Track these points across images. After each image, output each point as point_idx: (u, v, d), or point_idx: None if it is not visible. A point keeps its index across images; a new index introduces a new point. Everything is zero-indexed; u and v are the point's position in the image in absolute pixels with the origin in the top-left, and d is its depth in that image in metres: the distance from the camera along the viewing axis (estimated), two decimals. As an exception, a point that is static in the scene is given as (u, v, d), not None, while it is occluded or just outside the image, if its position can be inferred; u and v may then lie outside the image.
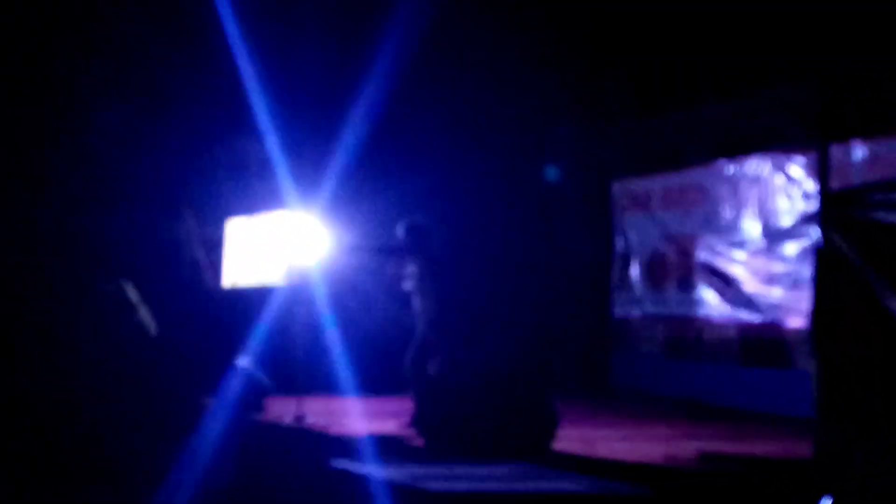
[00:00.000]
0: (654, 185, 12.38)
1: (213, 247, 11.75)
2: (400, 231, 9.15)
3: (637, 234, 12.59)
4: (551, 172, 12.95)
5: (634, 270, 12.58)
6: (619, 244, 12.84)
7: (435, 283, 8.99)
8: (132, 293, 9.54)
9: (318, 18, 11.83)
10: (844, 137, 9.78)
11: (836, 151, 9.71)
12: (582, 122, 13.29)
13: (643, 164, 12.57)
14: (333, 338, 10.04)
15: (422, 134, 12.58)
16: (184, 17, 11.57)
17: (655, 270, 12.31)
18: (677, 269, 11.99)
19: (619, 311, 12.76)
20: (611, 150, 13.02)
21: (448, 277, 9.33)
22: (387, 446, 8.14)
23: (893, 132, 9.69)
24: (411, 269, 9.12)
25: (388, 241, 9.35)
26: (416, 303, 9.10)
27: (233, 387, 9.69)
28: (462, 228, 11.93)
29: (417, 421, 8.55)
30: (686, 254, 11.85)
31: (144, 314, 9.58)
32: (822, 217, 5.42)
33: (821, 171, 5.65)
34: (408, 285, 9.23)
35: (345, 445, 8.43)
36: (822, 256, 5.43)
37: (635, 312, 12.52)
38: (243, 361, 10.02)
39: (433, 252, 9.13)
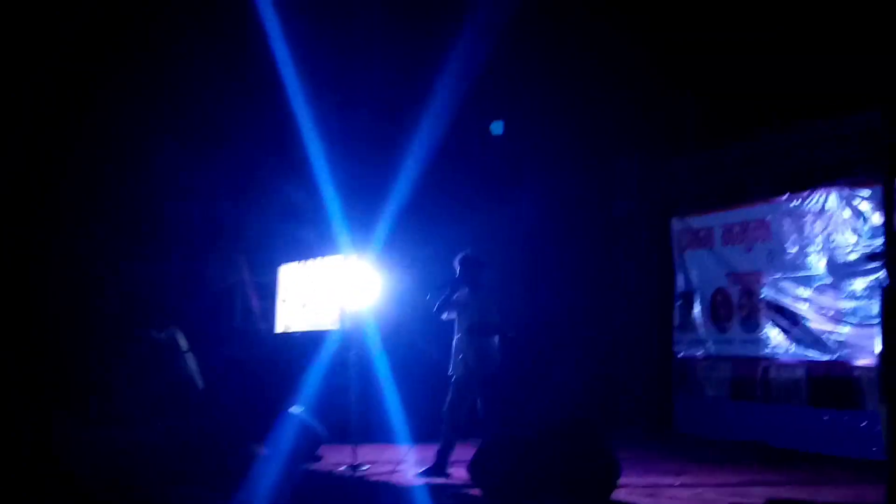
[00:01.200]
0: (716, 220, 12.09)
1: (267, 293, 11.76)
2: (455, 263, 9.21)
3: (699, 271, 12.30)
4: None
5: (697, 309, 12.27)
6: (681, 282, 12.55)
7: (481, 316, 8.94)
8: (182, 341, 9.51)
9: (371, 62, 11.82)
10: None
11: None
12: (642, 157, 13.05)
13: (704, 200, 12.29)
14: (387, 384, 9.90)
15: (479, 172, 12.46)
16: (240, 63, 11.63)
17: (719, 309, 12.00)
18: (741, 307, 11.67)
19: (682, 351, 12.45)
20: (672, 185, 12.76)
21: (509, 317, 9.25)
22: (443, 495, 7.96)
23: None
24: (458, 297, 9.08)
25: (448, 281, 9.26)
26: (456, 330, 9.03)
27: (286, 435, 9.57)
28: (522, 271, 11.77)
29: (476, 471, 8.34)
30: (750, 291, 11.54)
31: (192, 363, 9.55)
32: (888, 254, 5.16)
33: (887, 206, 5.38)
34: (451, 314, 9.16)
35: (401, 495, 8.28)
36: (888, 295, 5.16)
37: (699, 353, 12.20)
38: (296, 409, 9.90)
39: (484, 284, 9.08)
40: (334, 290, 10.10)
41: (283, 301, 11.26)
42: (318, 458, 9.88)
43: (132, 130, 11.70)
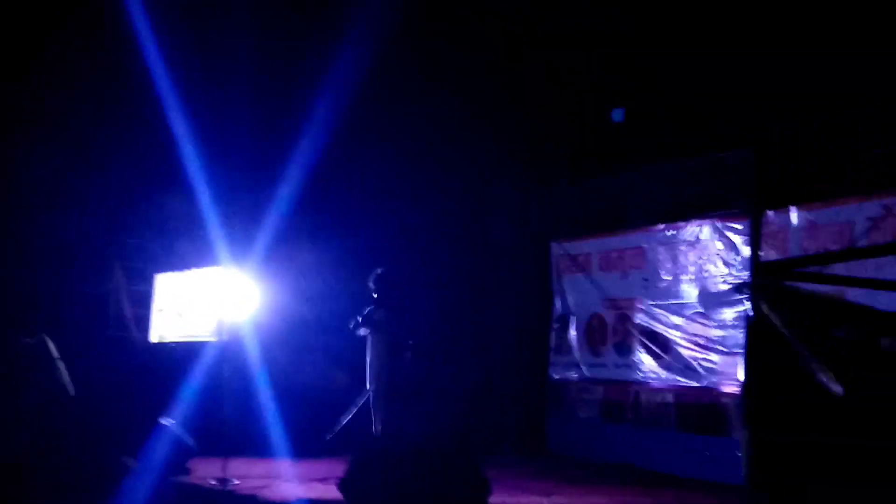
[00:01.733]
0: (593, 247, 12.34)
1: (143, 302, 11.54)
2: (370, 282, 9.35)
3: (575, 296, 12.52)
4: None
5: (573, 333, 12.48)
6: (558, 306, 12.76)
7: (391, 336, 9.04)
8: (52, 348, 9.26)
9: (249, 72, 11.70)
10: (782, 204, 9.81)
11: (774, 218, 9.82)
12: (522, 182, 13.23)
13: (582, 226, 12.55)
14: (263, 397, 9.82)
15: (360, 190, 12.46)
16: (113, 72, 11.41)
17: (594, 333, 12.23)
18: (616, 332, 11.92)
19: (556, 374, 12.64)
20: (551, 211, 12.98)
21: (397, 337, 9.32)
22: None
23: (830, 200, 9.73)
24: (374, 315, 9.13)
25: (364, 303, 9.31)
26: (370, 351, 9.09)
27: (157, 447, 9.39)
28: (400, 287, 11.77)
29: (346, 485, 8.31)
30: (624, 317, 11.79)
31: (63, 371, 9.31)
32: (753, 287, 5.35)
33: (752, 240, 5.59)
34: (365, 331, 9.19)
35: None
36: (752, 326, 5.35)
37: (573, 375, 12.41)
38: (168, 420, 9.73)
39: (398, 303, 9.15)
40: (212, 301, 9.97)
41: (160, 310, 11.07)
42: (188, 471, 9.73)
43: (2, 139, 11.38)
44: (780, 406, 5.20)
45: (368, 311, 9.23)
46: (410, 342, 9.30)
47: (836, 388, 4.85)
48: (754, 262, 5.46)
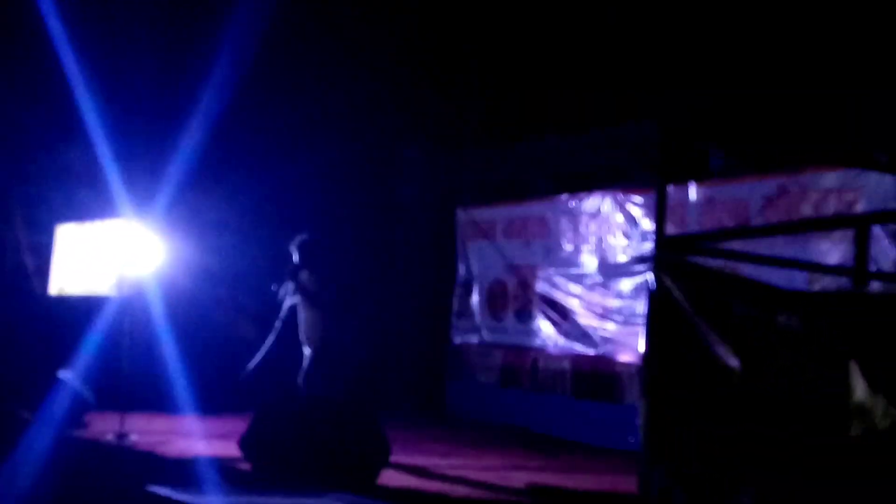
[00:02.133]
0: (498, 214, 12.49)
1: (42, 253, 11.33)
2: (293, 248, 9.20)
3: (479, 262, 12.67)
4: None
5: (475, 298, 12.64)
6: (462, 271, 12.89)
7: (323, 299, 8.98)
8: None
9: (149, 18, 11.48)
10: (682, 179, 10.05)
11: (673, 193, 10.04)
12: (431, 146, 13.29)
13: (488, 194, 12.68)
14: (166, 352, 9.73)
15: (265, 143, 12.34)
16: (8, 20, 11.09)
17: (496, 299, 12.41)
18: (516, 298, 12.11)
19: (457, 337, 12.80)
20: (458, 177, 13.07)
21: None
22: (212, 470, 7.90)
23: (727, 178, 10.01)
24: (301, 282, 9.06)
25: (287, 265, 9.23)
26: (302, 317, 9.05)
27: (55, 400, 9.27)
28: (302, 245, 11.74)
29: (246, 444, 8.33)
30: (526, 284, 11.98)
31: None
32: (656, 260, 5.52)
33: (657, 214, 5.75)
34: (292, 299, 9.13)
35: (167, 467, 8.18)
36: (653, 299, 5.51)
37: (473, 340, 12.58)
38: (67, 374, 9.61)
39: (323, 267, 9.12)
40: (114, 254, 9.83)
41: (60, 262, 10.88)
42: (86, 426, 9.63)
43: None
44: (677, 377, 5.39)
45: (297, 278, 9.17)
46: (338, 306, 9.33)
47: (734, 362, 5.05)
48: (658, 236, 5.61)
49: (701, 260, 5.70)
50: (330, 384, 8.65)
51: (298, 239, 9.21)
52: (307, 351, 9.16)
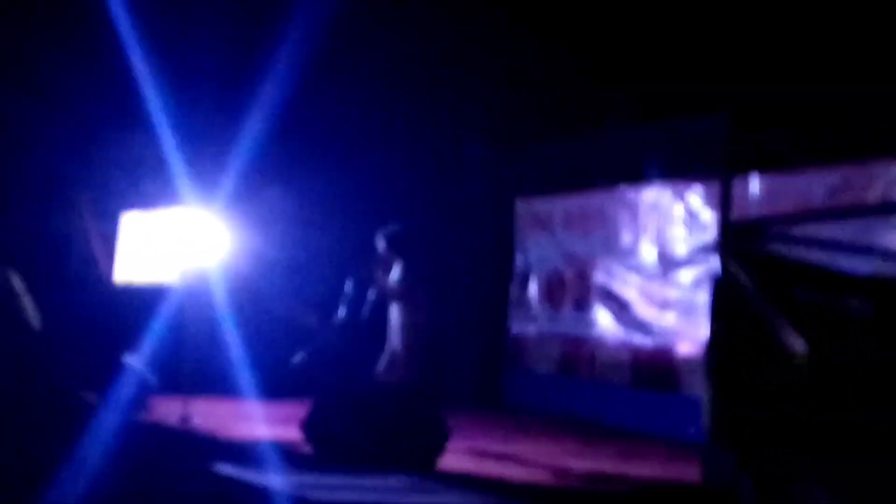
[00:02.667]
0: (557, 205, 12.48)
1: (108, 241, 11.50)
2: (380, 242, 8.72)
3: (537, 253, 12.68)
4: None
5: (533, 289, 12.65)
6: (520, 262, 12.91)
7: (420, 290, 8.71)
8: (17, 283, 9.23)
9: (216, 8, 11.58)
10: (743, 171, 9.99)
11: (735, 184, 9.99)
12: (491, 139, 13.31)
13: (547, 185, 12.66)
14: (228, 339, 9.85)
15: (329, 134, 12.43)
16: (76, 8, 11.26)
17: (553, 290, 12.41)
18: (574, 289, 12.10)
19: (515, 328, 12.82)
20: (518, 170, 13.08)
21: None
22: (274, 452, 8.02)
23: (791, 168, 9.92)
24: (394, 275, 8.70)
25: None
26: (395, 311, 8.69)
27: (120, 385, 9.44)
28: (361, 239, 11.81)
29: (308, 428, 8.43)
30: (583, 275, 11.97)
31: (28, 305, 9.28)
32: (722, 248, 5.51)
33: (723, 202, 5.74)
34: (392, 292, 8.74)
35: (231, 450, 8.29)
36: (719, 286, 5.51)
37: (531, 330, 12.59)
38: (132, 358, 9.77)
39: (417, 258, 8.78)
40: (179, 242, 9.97)
41: (125, 250, 11.04)
42: (150, 410, 9.79)
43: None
44: (743, 363, 5.38)
45: (375, 273, 8.83)
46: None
47: (801, 347, 5.03)
48: (724, 223, 5.60)
49: (770, 247, 5.67)
50: (418, 377, 8.51)
51: (387, 229, 8.76)
52: (396, 344, 8.79)
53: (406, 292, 8.59)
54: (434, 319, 8.84)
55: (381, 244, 8.75)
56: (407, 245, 8.73)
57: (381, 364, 8.73)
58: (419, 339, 8.59)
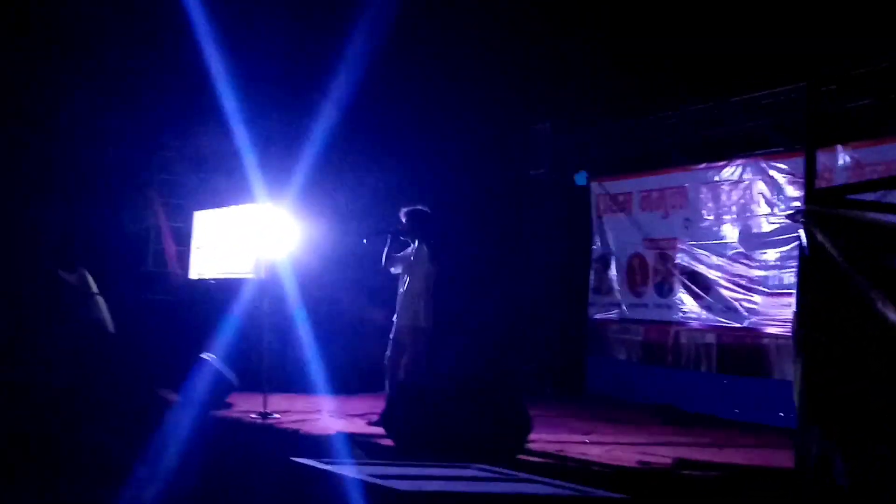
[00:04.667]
0: (634, 186, 12.21)
1: (181, 238, 11.54)
2: (403, 216, 9.21)
3: (616, 235, 12.42)
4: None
5: (613, 273, 12.40)
6: (598, 245, 12.67)
7: (428, 271, 9.02)
8: (92, 284, 9.29)
9: (285, 7, 11.57)
10: (828, 143, 9.63)
11: (820, 157, 9.61)
12: (562, 120, 13.07)
13: (623, 165, 12.41)
14: (302, 334, 9.79)
15: (396, 127, 12.35)
16: (149, 5, 11.31)
17: (634, 273, 12.14)
18: (656, 272, 11.82)
19: (596, 314, 12.57)
20: (590, 150, 12.82)
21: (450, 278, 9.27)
22: (355, 445, 7.91)
23: (877, 139, 9.56)
24: (407, 251, 9.14)
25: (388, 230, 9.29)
26: (404, 288, 9.09)
27: (198, 382, 9.43)
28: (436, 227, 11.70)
29: (388, 422, 8.31)
30: (665, 257, 11.69)
31: (102, 305, 9.34)
32: (807, 214, 5.22)
33: (807, 167, 5.44)
34: (397, 268, 9.15)
35: (311, 444, 8.21)
36: (806, 258, 5.22)
37: (613, 315, 12.34)
38: (209, 356, 9.76)
39: (433, 237, 9.14)
40: (250, 238, 9.95)
41: (198, 247, 11.07)
42: (228, 406, 9.78)
43: (38, 75, 11.34)
44: (833, 336, 5.09)
45: (393, 245, 9.21)
46: (450, 276, 9.25)
47: (894, 317, 4.73)
48: (808, 189, 5.31)
49: (858, 214, 5.37)
50: (464, 359, 8.53)
51: (409, 207, 9.24)
52: (404, 322, 9.08)
53: (415, 267, 9.05)
54: (486, 306, 9.04)
55: (403, 218, 9.19)
56: (426, 223, 9.16)
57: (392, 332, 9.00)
58: (439, 319, 8.98)
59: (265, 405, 9.25)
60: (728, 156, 11.09)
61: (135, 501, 6.18)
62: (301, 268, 10.02)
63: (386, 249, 9.27)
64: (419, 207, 9.23)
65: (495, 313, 12.06)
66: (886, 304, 4.76)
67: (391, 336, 9.15)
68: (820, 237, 5.15)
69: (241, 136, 11.08)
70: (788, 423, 6.66)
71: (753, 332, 10.52)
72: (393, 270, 9.31)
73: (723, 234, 11.02)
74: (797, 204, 9.34)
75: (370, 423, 8.83)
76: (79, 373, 9.06)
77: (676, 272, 11.49)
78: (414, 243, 9.20)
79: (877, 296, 4.82)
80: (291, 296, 9.83)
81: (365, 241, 9.41)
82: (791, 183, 10.20)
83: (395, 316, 9.20)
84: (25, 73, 11.27)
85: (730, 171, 11.01)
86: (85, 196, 11.22)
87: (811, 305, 5.21)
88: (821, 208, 5.25)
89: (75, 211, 10.96)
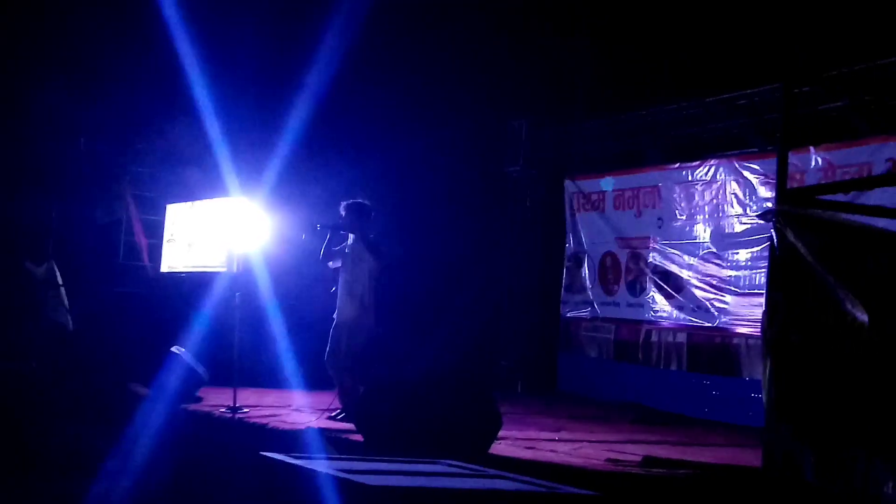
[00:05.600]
0: (608, 185, 12.21)
1: (153, 231, 11.49)
2: (342, 209, 9.11)
3: (589, 234, 12.44)
4: None
5: (585, 271, 12.42)
6: (571, 244, 12.68)
7: (370, 265, 8.94)
8: (58, 276, 9.22)
9: (259, 1, 11.53)
10: (801, 145, 9.68)
11: (792, 158, 9.65)
12: (539, 117, 13.07)
13: (597, 164, 12.43)
14: (274, 328, 9.75)
15: (371, 121, 12.32)
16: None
17: (607, 272, 12.16)
18: (629, 271, 11.86)
19: (568, 312, 12.59)
20: (565, 148, 12.84)
21: (393, 272, 9.18)
22: (324, 440, 7.87)
23: (849, 141, 9.62)
24: (344, 245, 9.06)
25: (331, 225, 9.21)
26: (340, 280, 9.06)
27: (168, 376, 9.38)
28: (406, 222, 11.68)
29: (357, 417, 8.29)
30: (638, 256, 11.72)
31: (63, 301, 9.28)
32: (778, 214, 5.24)
33: (779, 169, 5.46)
34: (336, 263, 9.10)
35: (280, 438, 8.18)
36: (776, 255, 5.25)
37: (585, 314, 12.36)
38: (179, 349, 9.71)
39: (368, 231, 9.05)
40: (222, 232, 9.91)
41: (170, 240, 11.03)
42: (199, 400, 9.73)
43: (6, 68, 11.26)
44: (802, 334, 5.12)
45: (332, 239, 9.14)
46: (408, 274, 9.21)
47: (862, 317, 4.76)
48: (780, 189, 5.34)
49: (828, 214, 5.40)
50: (434, 355, 8.50)
51: (349, 200, 9.14)
52: (341, 318, 9.04)
53: (352, 262, 9.00)
54: (457, 303, 9.00)
55: (342, 212, 9.08)
56: (362, 217, 9.05)
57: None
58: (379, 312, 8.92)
59: (235, 399, 9.21)
60: (702, 156, 11.14)
61: (105, 495, 6.14)
62: (273, 262, 9.98)
63: (325, 244, 9.18)
64: (358, 200, 9.13)
65: (467, 309, 12.04)
66: (855, 304, 4.79)
67: (331, 332, 9.10)
68: (790, 237, 5.17)
69: (214, 129, 11.03)
70: (758, 422, 6.68)
71: (724, 332, 10.57)
72: (331, 265, 9.22)
73: (695, 233, 11.06)
74: (770, 205, 9.40)
75: (331, 419, 8.83)
76: (48, 366, 9.00)
77: (648, 271, 11.53)
78: (350, 237, 9.13)
79: (845, 295, 4.85)
80: (263, 290, 9.78)
81: (304, 236, 9.34)
82: (764, 184, 10.24)
83: (336, 312, 9.15)
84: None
85: (703, 171, 11.05)
86: (57, 188, 11.16)
87: (780, 304, 5.24)
88: (792, 208, 5.28)
89: (47, 203, 10.89)
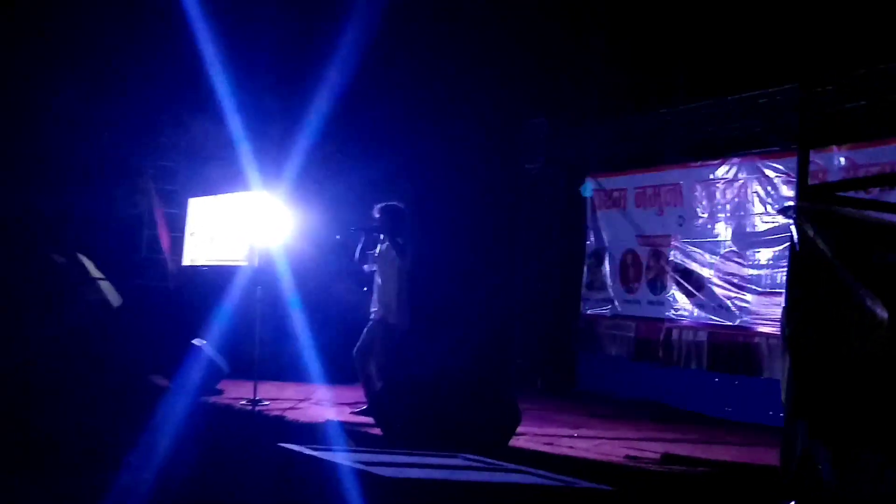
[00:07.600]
0: (629, 182, 12.20)
1: (175, 225, 11.54)
2: (375, 211, 9.14)
3: (610, 232, 12.42)
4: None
5: (606, 269, 12.40)
6: (592, 241, 12.67)
7: (399, 267, 8.91)
8: (90, 266, 9.27)
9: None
10: (823, 144, 9.64)
11: (814, 158, 9.64)
12: (558, 116, 13.06)
13: (619, 162, 12.40)
14: (295, 322, 9.79)
15: (391, 117, 12.33)
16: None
17: (627, 270, 12.14)
18: (649, 269, 11.83)
19: (588, 310, 12.58)
20: (586, 145, 12.82)
21: (415, 267, 9.18)
22: (342, 434, 7.91)
23: (872, 141, 9.57)
24: (378, 249, 9.07)
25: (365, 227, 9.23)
26: (376, 284, 9.06)
27: (190, 368, 9.44)
28: (426, 218, 11.67)
29: (377, 412, 8.33)
30: (659, 254, 11.70)
31: (106, 286, 9.32)
32: (798, 210, 5.22)
33: (800, 165, 5.45)
34: (372, 266, 9.12)
35: (300, 431, 8.23)
36: (796, 252, 5.23)
37: (605, 312, 12.35)
38: (200, 342, 9.77)
39: (403, 235, 9.04)
40: (244, 226, 9.96)
41: (192, 234, 11.08)
42: (219, 392, 9.79)
43: (28, 63, 11.33)
44: (822, 330, 5.10)
45: (367, 243, 9.15)
46: (430, 270, 9.19)
47: (882, 314, 4.74)
48: (801, 185, 5.32)
49: (849, 211, 5.37)
50: (452, 352, 8.48)
51: (382, 204, 9.16)
52: (378, 317, 9.04)
53: (384, 264, 9.02)
54: (474, 302, 8.98)
55: (375, 214, 9.14)
56: (396, 220, 9.07)
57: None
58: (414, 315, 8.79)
59: (255, 392, 9.26)
60: (723, 154, 11.10)
61: (126, 487, 6.18)
62: (294, 256, 10.02)
63: (360, 246, 9.21)
64: (392, 203, 9.17)
65: (487, 306, 12.00)
66: (875, 301, 4.77)
67: (365, 329, 9.13)
68: (811, 233, 5.15)
69: (236, 124, 11.07)
70: (777, 422, 6.68)
71: (745, 331, 10.54)
72: (366, 268, 9.26)
73: (716, 232, 11.04)
74: (794, 196, 9.37)
75: (354, 413, 8.86)
76: (72, 357, 9.04)
77: (669, 269, 11.50)
78: (382, 239, 9.14)
79: (865, 292, 4.83)
80: (284, 284, 9.82)
81: (338, 237, 9.37)
82: (786, 183, 10.20)
83: (372, 310, 9.18)
84: (20, 60, 11.25)
85: (725, 170, 11.02)
86: (80, 182, 11.22)
87: (800, 300, 5.22)
88: (812, 204, 5.26)
89: (70, 197, 10.95)
